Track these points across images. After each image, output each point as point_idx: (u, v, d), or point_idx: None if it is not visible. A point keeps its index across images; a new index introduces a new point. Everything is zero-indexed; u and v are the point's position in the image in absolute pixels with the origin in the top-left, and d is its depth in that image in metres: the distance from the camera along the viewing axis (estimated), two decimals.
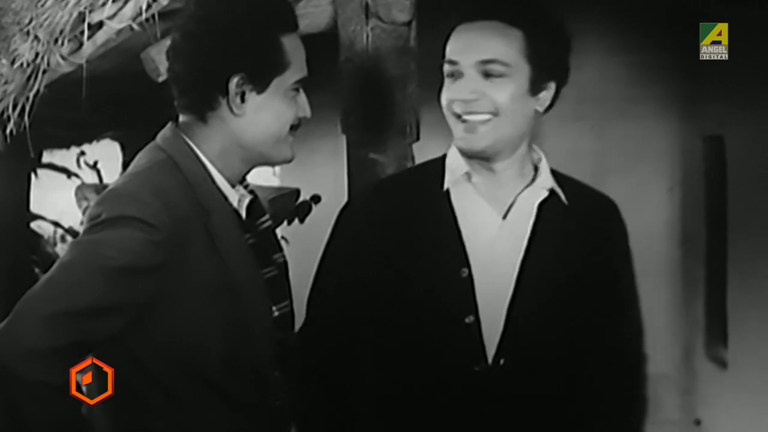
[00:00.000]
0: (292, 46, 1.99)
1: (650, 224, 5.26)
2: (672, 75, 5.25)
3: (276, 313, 2.02)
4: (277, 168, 7.41)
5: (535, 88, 2.04)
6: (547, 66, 2.03)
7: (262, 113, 1.97)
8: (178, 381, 1.92)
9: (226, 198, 1.99)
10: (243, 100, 1.96)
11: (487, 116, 2.03)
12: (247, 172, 2.07)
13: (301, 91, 2.02)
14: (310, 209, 5.56)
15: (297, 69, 1.99)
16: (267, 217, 2.10)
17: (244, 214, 2.03)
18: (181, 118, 2.02)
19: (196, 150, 1.98)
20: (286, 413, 2.07)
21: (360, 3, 2.70)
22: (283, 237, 6.43)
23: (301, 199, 5.48)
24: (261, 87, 1.96)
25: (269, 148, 2.01)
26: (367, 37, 2.70)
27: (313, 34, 2.86)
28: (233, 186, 2.02)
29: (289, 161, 2.07)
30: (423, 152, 2.84)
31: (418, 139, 2.74)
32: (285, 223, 5.45)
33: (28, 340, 1.80)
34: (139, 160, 2.00)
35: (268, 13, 1.97)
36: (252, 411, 1.98)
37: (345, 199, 2.77)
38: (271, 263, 2.06)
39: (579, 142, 5.31)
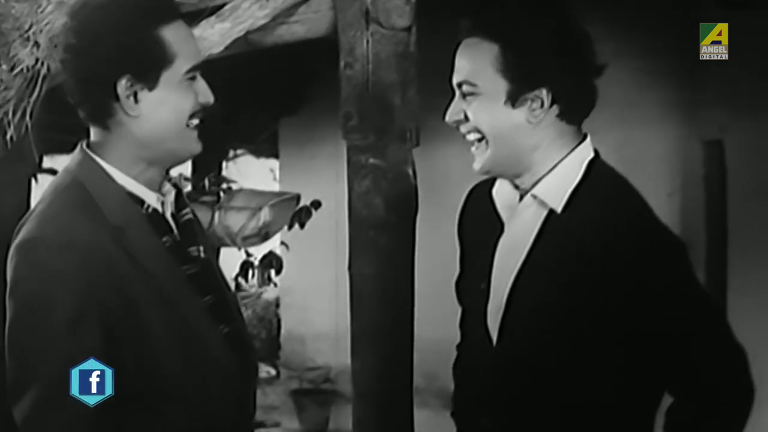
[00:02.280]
0: (175, 36, 1.94)
1: None
2: (671, 80, 5.25)
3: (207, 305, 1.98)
4: (278, 173, 7.40)
5: (514, 100, 1.99)
6: (525, 75, 1.98)
7: (158, 109, 1.94)
8: (154, 396, 1.90)
9: (143, 203, 1.96)
10: (137, 100, 1.93)
11: (474, 135, 2.04)
12: (167, 172, 2.03)
13: (199, 77, 1.98)
14: (310, 214, 5.56)
15: (186, 58, 1.95)
16: (188, 209, 2.06)
17: (169, 210, 2.01)
18: (91, 132, 2.00)
19: (101, 163, 1.95)
20: (251, 413, 2.06)
21: (360, 9, 2.71)
22: (282, 242, 6.44)
23: (301, 204, 5.48)
24: (151, 83, 1.92)
25: (173, 142, 1.97)
26: (367, 42, 2.70)
27: (313, 39, 2.87)
28: (157, 189, 1.99)
29: (197, 154, 2.01)
30: (423, 158, 2.85)
31: (417, 144, 2.74)
32: (285, 228, 5.45)
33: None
34: (47, 190, 1.99)
35: (142, 9, 1.93)
36: (220, 418, 1.97)
37: (345, 204, 2.78)
38: (191, 260, 2.02)
39: None
